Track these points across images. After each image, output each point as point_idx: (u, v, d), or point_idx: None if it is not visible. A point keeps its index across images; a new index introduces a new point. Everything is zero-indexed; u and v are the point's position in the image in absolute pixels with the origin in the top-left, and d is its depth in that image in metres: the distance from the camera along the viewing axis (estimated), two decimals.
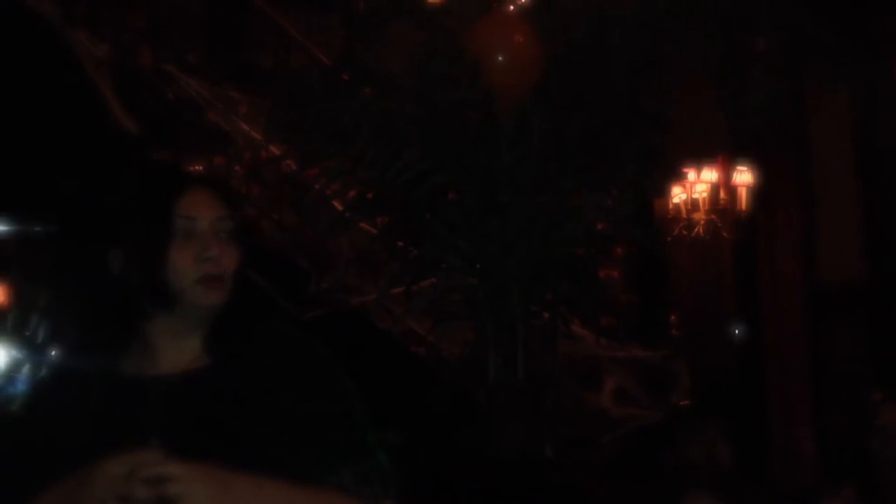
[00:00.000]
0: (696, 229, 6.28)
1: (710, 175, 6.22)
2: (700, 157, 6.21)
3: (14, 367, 4.32)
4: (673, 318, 6.55)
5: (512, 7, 3.75)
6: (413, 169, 3.40)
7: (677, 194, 6.32)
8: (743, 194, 6.25)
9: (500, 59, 3.37)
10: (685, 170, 6.19)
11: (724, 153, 6.15)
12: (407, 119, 3.59)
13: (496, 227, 3.49)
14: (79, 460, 1.28)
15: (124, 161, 4.23)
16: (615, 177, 3.64)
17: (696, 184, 6.25)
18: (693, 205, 6.30)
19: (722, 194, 6.24)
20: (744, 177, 6.18)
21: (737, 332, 6.48)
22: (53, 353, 1.42)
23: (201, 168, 3.98)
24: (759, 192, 6.25)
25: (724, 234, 6.26)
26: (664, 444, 3.67)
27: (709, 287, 6.49)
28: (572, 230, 3.58)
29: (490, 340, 3.60)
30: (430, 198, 3.54)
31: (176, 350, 1.40)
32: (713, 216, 6.27)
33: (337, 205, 4.21)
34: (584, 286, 3.84)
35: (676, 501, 2.13)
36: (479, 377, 3.69)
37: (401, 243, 4.00)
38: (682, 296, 6.53)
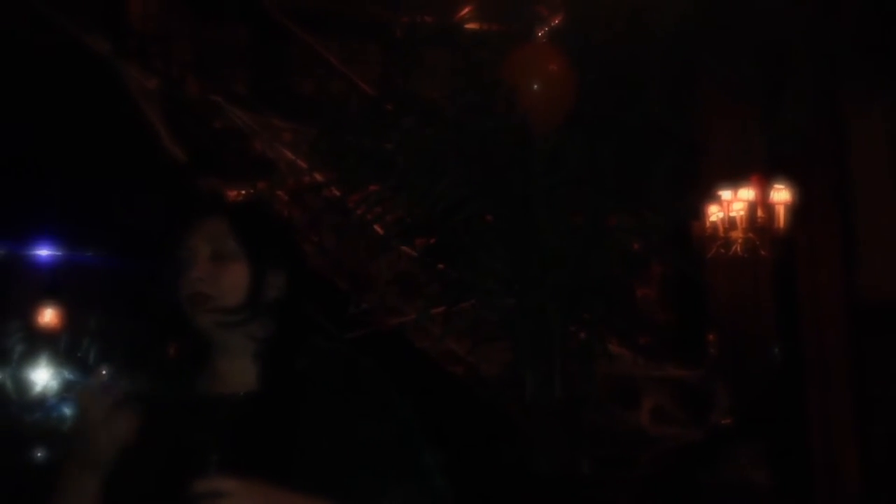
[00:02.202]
0: (733, 248, 6.28)
1: (747, 193, 6.22)
2: (737, 176, 6.22)
3: (66, 388, 4.46)
4: (711, 336, 6.52)
5: (546, 33, 3.84)
6: (451, 195, 3.49)
7: (714, 213, 6.32)
8: (781, 212, 6.23)
9: (534, 86, 3.45)
10: (722, 188, 6.20)
11: (761, 171, 6.15)
12: (445, 146, 3.67)
13: (532, 250, 3.55)
14: (144, 474, 1.35)
15: (173, 189, 4.39)
16: (649, 199, 3.70)
17: (734, 202, 6.25)
18: (730, 223, 6.29)
19: (759, 212, 6.23)
20: (781, 195, 6.17)
21: (776, 350, 6.45)
22: (105, 373, 1.48)
23: (242, 194, 4.10)
24: (798, 210, 6.23)
25: (762, 253, 6.25)
26: (702, 464, 3.70)
27: (747, 305, 6.47)
28: (607, 252, 3.64)
29: (527, 360, 3.66)
30: (468, 222, 3.62)
31: (236, 371, 1.46)
32: (751, 234, 6.26)
33: (377, 228, 4.31)
34: (620, 306, 3.88)
35: None
36: (516, 397, 3.75)
37: (440, 265, 4.08)
38: (720, 314, 6.51)
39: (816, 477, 5.73)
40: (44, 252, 5.81)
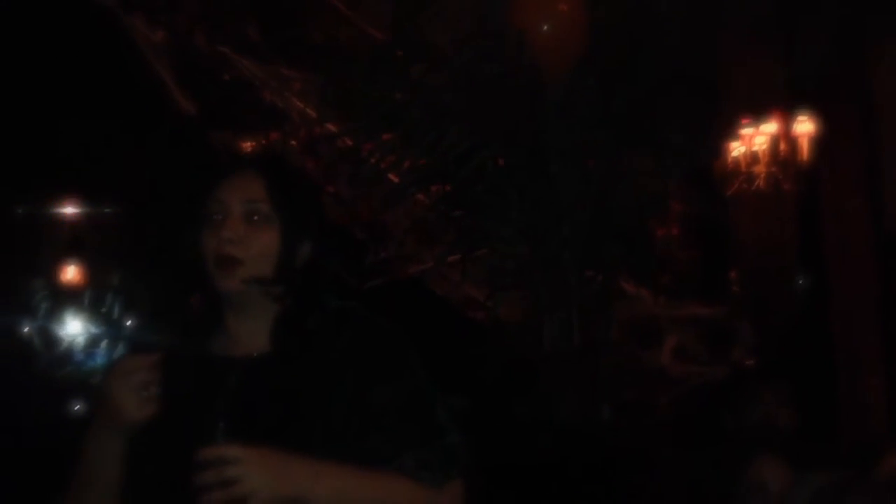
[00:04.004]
0: (756, 182, 6.16)
1: (769, 127, 6.08)
2: (758, 109, 6.07)
3: (92, 342, 4.52)
4: (734, 273, 6.46)
5: None
6: (462, 144, 3.45)
7: (736, 148, 6.20)
8: (804, 145, 6.08)
9: (545, 28, 3.37)
10: (743, 122, 6.06)
11: (783, 103, 6.01)
12: (455, 94, 3.62)
13: (546, 198, 3.52)
14: (152, 433, 1.35)
15: (184, 143, 4.37)
16: (666, 140, 3.63)
17: (755, 136, 6.12)
18: (753, 158, 6.16)
19: (782, 146, 6.10)
20: (804, 127, 6.02)
21: (801, 286, 6.38)
22: (129, 328, 1.48)
23: (254, 146, 4.08)
24: (821, 142, 6.09)
25: (786, 187, 6.13)
26: (725, 405, 3.68)
27: (771, 241, 6.38)
28: (623, 196, 3.59)
29: (544, 308, 3.65)
30: (481, 170, 3.58)
31: (248, 333, 1.44)
32: (774, 168, 6.13)
33: (392, 177, 4.28)
34: (638, 249, 3.85)
35: (738, 466, 2.14)
36: (535, 343, 3.75)
37: (456, 212, 4.06)
38: (743, 251, 6.43)
39: (843, 416, 5.72)
40: (66, 209, 5.85)
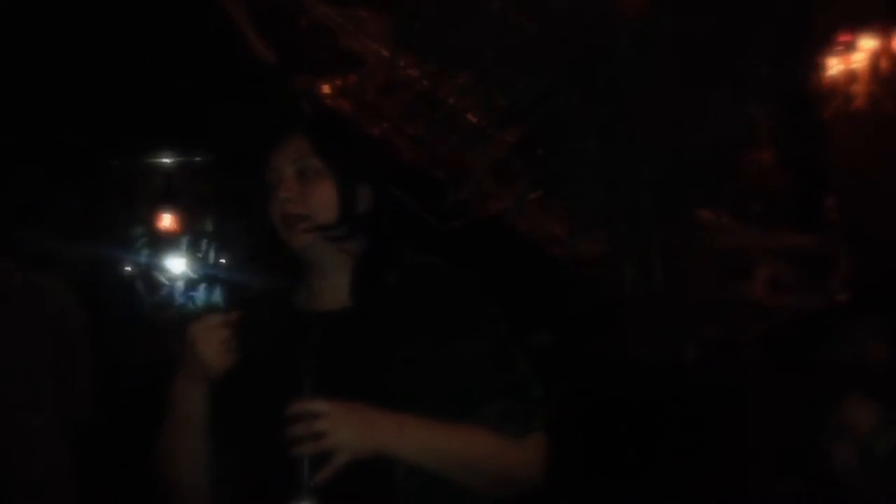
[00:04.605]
0: (854, 103, 5.86)
1: (868, 42, 5.74)
2: (857, 23, 5.73)
3: (190, 285, 4.72)
4: (831, 201, 6.20)
5: None
6: (537, 85, 3.39)
7: (833, 65, 5.88)
8: None
9: None
10: (840, 38, 5.73)
11: (884, 16, 5.64)
12: (531, 31, 3.55)
13: (623, 135, 3.44)
14: (238, 383, 1.42)
15: (266, 91, 4.43)
16: (751, 69, 3.49)
17: (854, 53, 5.79)
18: (851, 76, 5.85)
19: (883, 63, 5.76)
20: None
21: None
22: (224, 272, 1.56)
23: (332, 91, 4.11)
24: None
25: (888, 107, 5.81)
26: (819, 340, 3.58)
27: (871, 165, 6.08)
28: (704, 131, 3.48)
29: (624, 250, 3.61)
30: (558, 110, 3.53)
31: (329, 289, 1.49)
32: (874, 87, 5.81)
33: (470, 117, 4.25)
34: (723, 184, 3.75)
35: (831, 405, 2.10)
36: (616, 282, 3.73)
37: (534, 153, 4.02)
38: (841, 176, 6.16)
39: None
40: (161, 159, 6.04)
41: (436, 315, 1.43)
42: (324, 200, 1.47)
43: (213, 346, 1.38)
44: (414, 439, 1.33)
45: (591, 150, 3.46)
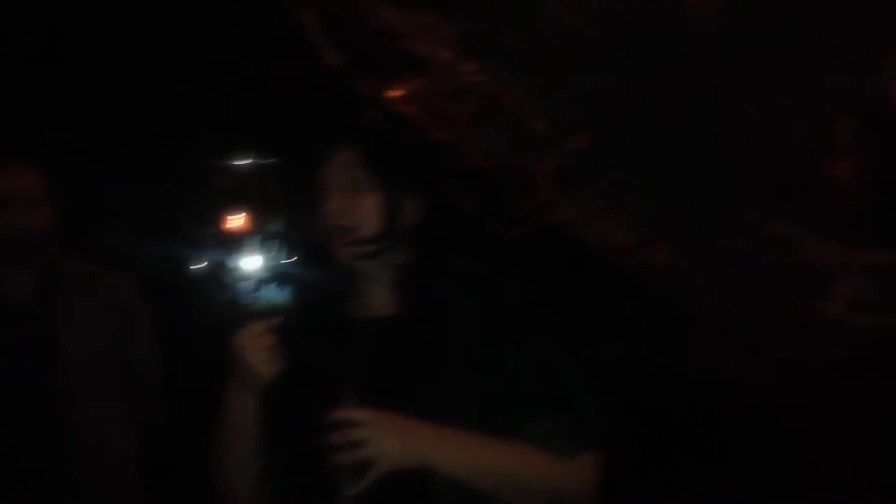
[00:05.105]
0: None
1: None
2: None
3: (257, 285, 4.80)
4: None
5: None
6: (604, 90, 3.31)
7: None
8: None
9: None
10: None
11: None
12: (596, 34, 3.46)
13: (694, 144, 3.33)
14: (286, 389, 1.41)
15: (332, 96, 4.45)
16: (828, 78, 3.33)
17: None
18: None
19: None
20: None
21: None
22: (288, 277, 1.57)
23: (398, 96, 4.10)
24: None
25: None
26: None
27: None
28: (780, 141, 3.34)
29: (694, 259, 3.50)
30: (625, 117, 3.43)
31: (378, 297, 1.49)
32: None
33: (536, 123, 4.18)
34: (801, 195, 3.60)
35: None
36: (684, 296, 3.61)
37: (602, 161, 3.93)
38: None
39: None
40: (234, 160, 6.13)
41: (483, 327, 1.40)
42: (369, 213, 1.48)
43: (258, 354, 1.39)
44: (456, 453, 1.29)
45: (660, 158, 3.35)
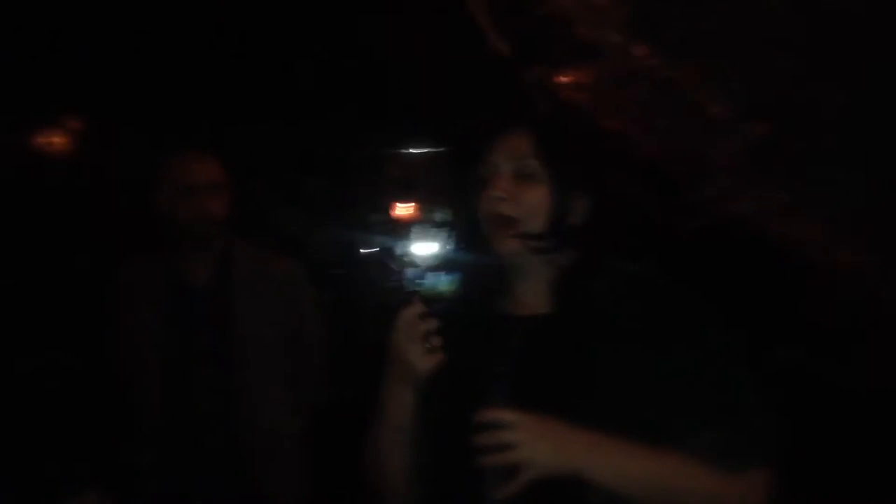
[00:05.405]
0: None
1: None
2: None
3: (422, 272, 4.88)
4: None
5: None
6: (789, 73, 3.05)
7: None
8: None
9: None
10: None
11: None
12: (783, 13, 3.20)
13: (892, 131, 3.01)
14: (438, 384, 1.37)
15: (500, 84, 4.39)
16: None
17: None
18: None
19: None
20: None
21: None
22: (452, 265, 1.56)
23: (568, 83, 3.98)
24: None
25: None
26: None
27: None
28: None
29: (888, 259, 3.18)
30: (814, 104, 3.16)
31: (532, 294, 1.42)
32: None
33: (714, 108, 3.95)
34: None
35: None
36: (879, 299, 3.30)
37: (787, 150, 3.65)
38: None
39: None
40: (403, 149, 6.29)
41: (644, 329, 1.28)
42: (535, 206, 1.39)
43: (414, 342, 1.36)
44: (610, 462, 1.21)
45: (849, 147, 3.06)
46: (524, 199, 1.37)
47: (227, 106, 4.97)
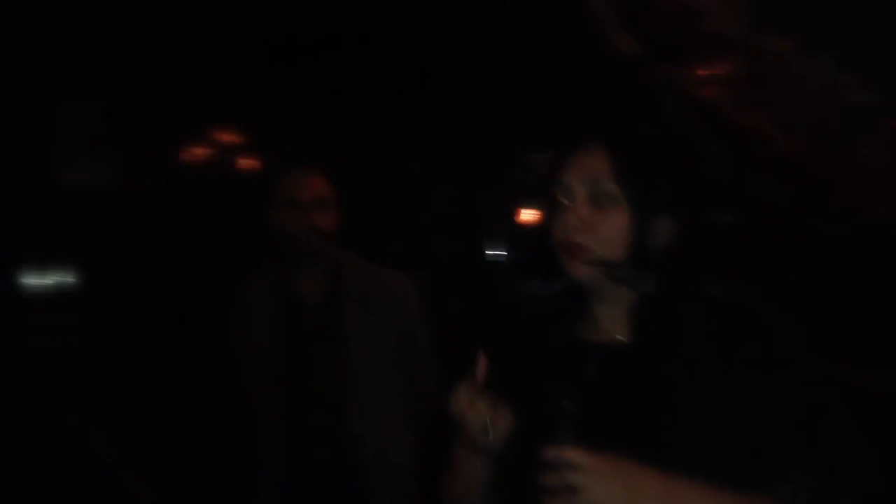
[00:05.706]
0: None
1: None
2: None
3: (538, 280, 4.06)
4: None
5: None
6: None
7: None
8: None
9: None
10: None
11: None
12: None
13: None
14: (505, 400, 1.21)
15: (625, 82, 3.90)
16: None
17: None
18: None
19: None
20: None
21: None
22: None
23: (698, 78, 3.71)
24: None
25: None
26: None
27: None
28: None
29: None
30: None
31: (609, 319, 1.28)
32: None
33: (859, 98, 3.91)
34: None
35: None
36: None
37: None
38: None
39: None
40: (533, 155, 5.85)
41: (730, 362, 1.22)
42: (613, 235, 1.30)
43: (478, 421, 1.19)
44: None
45: None
46: (600, 228, 1.26)
47: (335, 122, 4.19)
